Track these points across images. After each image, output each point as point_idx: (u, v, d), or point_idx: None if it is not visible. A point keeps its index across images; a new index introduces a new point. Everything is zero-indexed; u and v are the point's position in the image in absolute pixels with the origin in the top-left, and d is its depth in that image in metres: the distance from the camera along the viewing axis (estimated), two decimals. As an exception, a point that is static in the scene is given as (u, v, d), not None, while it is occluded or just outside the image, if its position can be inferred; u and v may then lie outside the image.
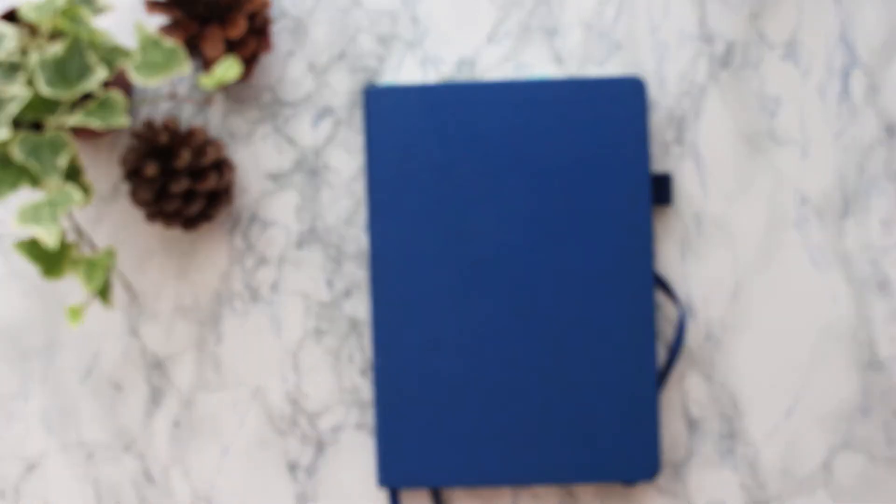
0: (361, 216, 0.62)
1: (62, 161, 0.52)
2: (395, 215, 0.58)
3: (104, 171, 0.63)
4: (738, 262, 0.61)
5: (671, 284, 0.61)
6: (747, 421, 0.61)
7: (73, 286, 0.62)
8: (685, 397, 0.61)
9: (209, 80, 0.54)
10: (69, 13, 0.52)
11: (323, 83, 0.62)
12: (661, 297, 0.61)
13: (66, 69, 0.52)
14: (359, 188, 0.62)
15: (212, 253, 0.62)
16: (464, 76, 0.62)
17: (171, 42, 0.54)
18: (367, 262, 0.61)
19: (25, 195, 0.62)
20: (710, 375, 0.61)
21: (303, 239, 0.62)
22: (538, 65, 0.62)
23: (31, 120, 0.53)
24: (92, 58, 0.52)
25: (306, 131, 0.62)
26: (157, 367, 0.62)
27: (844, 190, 0.61)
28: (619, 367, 0.58)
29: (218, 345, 0.62)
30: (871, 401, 0.61)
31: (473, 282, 0.58)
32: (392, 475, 0.59)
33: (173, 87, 0.62)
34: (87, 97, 0.54)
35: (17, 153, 0.51)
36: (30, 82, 0.51)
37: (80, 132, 0.56)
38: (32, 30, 0.54)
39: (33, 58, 0.51)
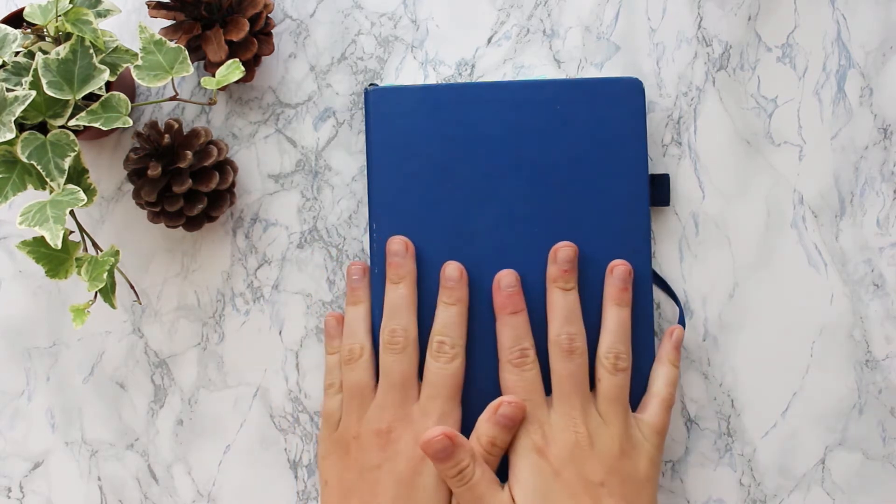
0: (362, 216, 0.62)
1: (66, 162, 0.52)
2: (395, 215, 0.58)
3: (108, 172, 0.63)
4: (735, 261, 0.61)
5: (670, 284, 0.61)
6: (745, 419, 0.61)
7: (77, 286, 0.63)
8: (683, 396, 0.61)
9: (212, 82, 0.54)
10: (74, 16, 0.52)
11: (324, 85, 0.62)
12: (659, 296, 0.61)
13: (71, 71, 0.52)
14: (359, 188, 0.62)
15: (214, 253, 0.62)
16: (464, 78, 0.62)
17: (174, 44, 0.54)
18: (367, 262, 0.61)
19: (30, 196, 0.62)
20: (707, 374, 0.61)
21: (304, 239, 0.62)
22: (537, 67, 0.62)
23: (35, 121, 0.53)
24: (96, 60, 0.53)
25: (308, 132, 0.62)
26: (160, 365, 0.63)
27: (840, 190, 0.61)
28: (617, 365, 0.58)
29: (220, 344, 0.62)
30: (866, 399, 0.61)
31: (473, 282, 0.58)
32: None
33: (176, 89, 0.62)
34: (91, 98, 0.54)
35: (21, 154, 0.51)
36: (34, 83, 0.52)
37: (84, 133, 0.57)
38: (37, 32, 0.54)
39: (38, 59, 0.51)
